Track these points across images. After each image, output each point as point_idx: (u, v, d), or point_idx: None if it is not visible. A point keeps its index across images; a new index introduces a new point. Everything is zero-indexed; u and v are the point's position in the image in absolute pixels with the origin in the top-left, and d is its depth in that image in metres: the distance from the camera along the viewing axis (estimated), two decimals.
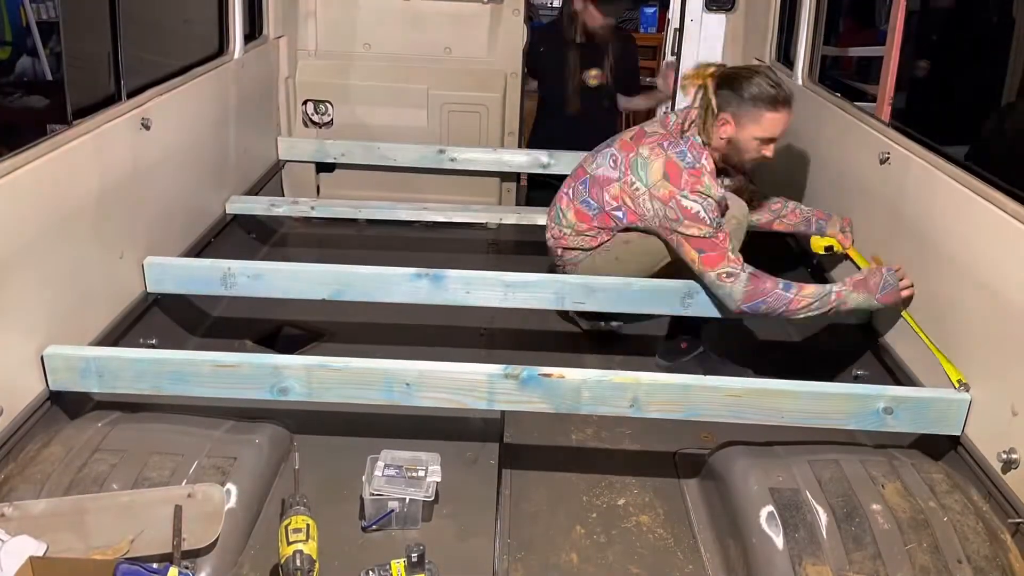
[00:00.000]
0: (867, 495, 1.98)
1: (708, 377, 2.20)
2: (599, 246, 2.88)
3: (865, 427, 2.21)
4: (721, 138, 2.66)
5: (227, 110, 3.48)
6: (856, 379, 2.70)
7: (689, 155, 2.64)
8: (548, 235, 3.02)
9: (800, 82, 3.54)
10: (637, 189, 2.71)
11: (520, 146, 4.30)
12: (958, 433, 2.16)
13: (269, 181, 4.03)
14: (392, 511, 2.08)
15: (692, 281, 2.72)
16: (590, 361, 2.99)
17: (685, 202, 2.59)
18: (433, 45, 4.22)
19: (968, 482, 2.08)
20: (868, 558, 1.84)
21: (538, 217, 3.52)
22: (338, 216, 3.85)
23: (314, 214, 3.80)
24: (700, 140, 2.67)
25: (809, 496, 1.99)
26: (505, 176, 4.21)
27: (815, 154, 3.33)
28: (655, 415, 2.21)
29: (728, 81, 2.63)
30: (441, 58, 4.23)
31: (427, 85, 4.15)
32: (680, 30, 4.29)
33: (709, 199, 2.58)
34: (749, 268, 2.58)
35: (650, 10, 6.13)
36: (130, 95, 2.65)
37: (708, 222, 2.57)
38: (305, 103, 4.20)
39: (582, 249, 2.91)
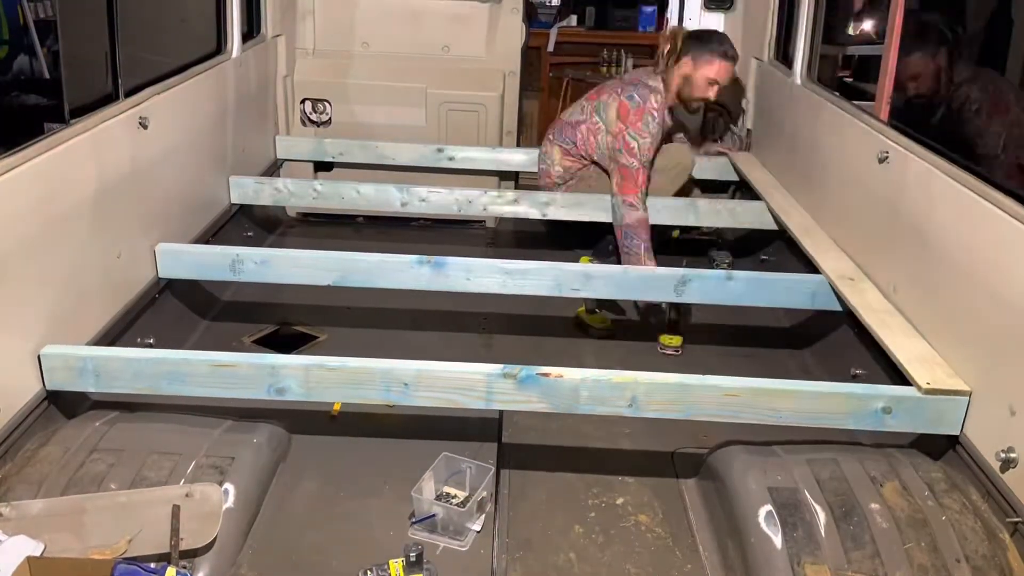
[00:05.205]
0: (866, 494, 1.98)
1: (707, 377, 2.20)
2: (581, 169, 3.68)
3: (864, 427, 2.20)
4: (679, 75, 3.48)
5: (225, 109, 3.48)
6: (855, 379, 2.70)
7: (636, 97, 3.42)
8: (540, 176, 3.81)
9: (799, 81, 3.54)
10: (599, 128, 3.53)
11: (518, 145, 4.30)
12: (957, 432, 2.16)
13: None
14: (434, 515, 2.09)
15: (686, 269, 2.95)
16: (588, 360, 3.00)
17: (627, 137, 3.39)
18: (431, 44, 4.23)
19: (967, 481, 2.08)
20: (867, 557, 1.84)
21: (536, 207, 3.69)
22: (337, 210, 3.89)
23: (316, 204, 3.80)
24: (654, 83, 3.44)
25: (808, 495, 1.99)
26: (503, 175, 4.21)
27: (814, 153, 3.33)
28: (653, 415, 2.21)
29: (695, 35, 3.57)
30: (439, 57, 4.24)
31: (425, 84, 4.15)
32: None
33: (646, 138, 3.38)
34: (644, 212, 3.35)
35: (648, 9, 6.13)
36: (128, 94, 2.64)
37: (638, 157, 3.37)
38: (303, 102, 4.19)
39: (567, 174, 3.70)
